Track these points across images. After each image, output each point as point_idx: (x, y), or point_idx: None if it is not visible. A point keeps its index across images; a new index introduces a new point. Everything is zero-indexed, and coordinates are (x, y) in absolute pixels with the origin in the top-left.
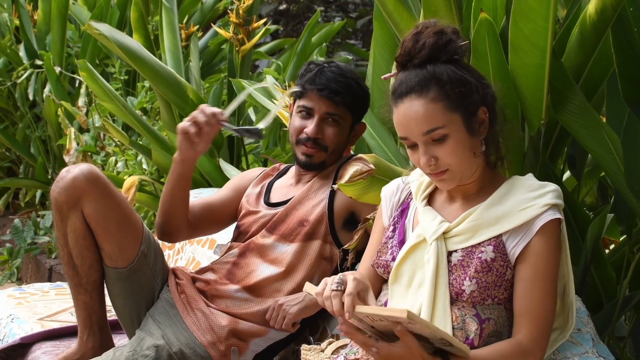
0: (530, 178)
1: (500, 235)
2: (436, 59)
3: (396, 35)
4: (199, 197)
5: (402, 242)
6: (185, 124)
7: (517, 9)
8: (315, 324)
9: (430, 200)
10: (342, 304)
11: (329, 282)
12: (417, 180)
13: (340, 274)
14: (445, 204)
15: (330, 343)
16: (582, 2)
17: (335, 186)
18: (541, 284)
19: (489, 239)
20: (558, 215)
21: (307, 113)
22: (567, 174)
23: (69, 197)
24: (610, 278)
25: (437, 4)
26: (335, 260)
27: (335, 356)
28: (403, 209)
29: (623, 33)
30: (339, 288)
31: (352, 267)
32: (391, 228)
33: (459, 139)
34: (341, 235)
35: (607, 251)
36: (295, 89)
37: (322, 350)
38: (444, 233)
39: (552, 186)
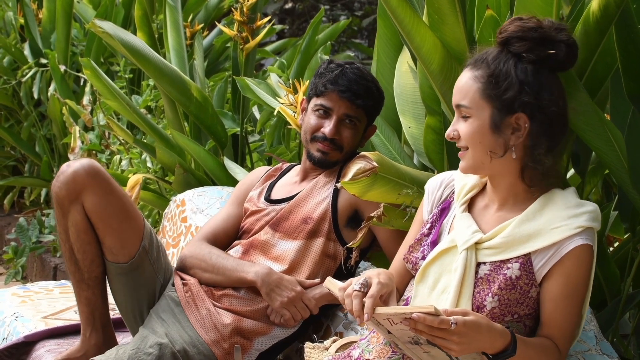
0: (569, 193)
1: (529, 253)
2: (510, 45)
3: (400, 33)
4: (203, 195)
5: (434, 243)
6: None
7: (520, 6)
8: (319, 322)
9: (470, 205)
10: (363, 305)
11: (354, 282)
12: (461, 181)
13: (366, 274)
14: (483, 211)
15: (334, 341)
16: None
17: (338, 184)
18: (570, 305)
19: (518, 257)
20: (589, 242)
21: (325, 112)
22: (571, 172)
23: (70, 192)
24: (614, 275)
25: (441, 1)
26: (339, 258)
27: (342, 353)
28: (443, 208)
29: (626, 30)
30: (362, 289)
31: (357, 265)
32: (428, 226)
33: (478, 126)
34: (345, 233)
35: (611, 249)
36: None
37: (326, 349)
38: (476, 243)
39: (589, 206)
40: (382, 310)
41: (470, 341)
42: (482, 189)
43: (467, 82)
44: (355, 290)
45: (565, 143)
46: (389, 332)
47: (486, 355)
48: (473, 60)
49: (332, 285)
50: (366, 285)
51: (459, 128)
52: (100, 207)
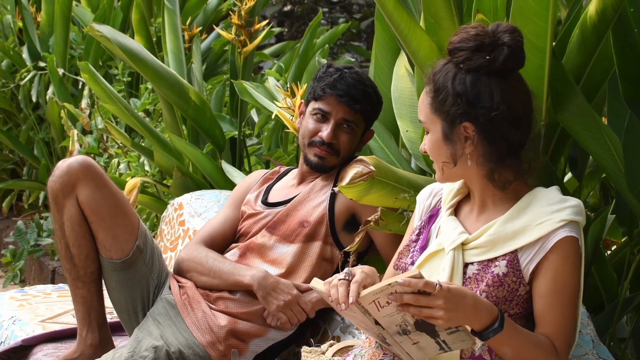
0: (552, 191)
1: (516, 250)
2: (453, 56)
3: (397, 37)
4: (201, 198)
5: (423, 248)
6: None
7: (516, 10)
8: (317, 326)
9: (456, 209)
10: (348, 292)
11: (339, 274)
12: (448, 187)
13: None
14: (469, 215)
15: (331, 345)
16: (583, 3)
17: (336, 189)
18: (561, 301)
19: (505, 254)
20: (574, 234)
21: (323, 116)
22: (568, 175)
23: (64, 185)
24: (611, 279)
25: (437, 5)
26: (336, 261)
27: (338, 358)
28: (432, 215)
29: (623, 34)
30: (347, 278)
31: None
32: (417, 232)
33: (435, 140)
34: (342, 237)
35: (608, 252)
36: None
37: (323, 353)
38: (462, 244)
39: (572, 201)
40: (367, 290)
41: (456, 308)
42: (468, 194)
43: (421, 98)
44: (340, 279)
45: (538, 143)
46: (377, 323)
47: (475, 335)
48: (429, 74)
49: (318, 283)
50: (350, 274)
51: (425, 142)
52: (93, 200)
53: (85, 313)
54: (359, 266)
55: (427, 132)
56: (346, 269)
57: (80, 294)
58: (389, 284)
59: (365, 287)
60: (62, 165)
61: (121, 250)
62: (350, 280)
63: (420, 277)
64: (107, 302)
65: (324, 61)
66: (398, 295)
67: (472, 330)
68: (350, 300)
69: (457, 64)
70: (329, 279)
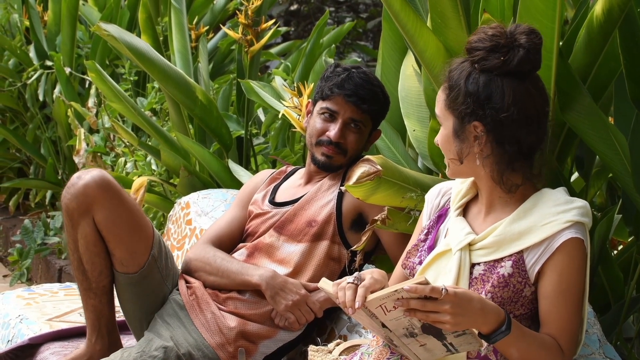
0: (559, 192)
1: (522, 250)
2: (470, 55)
3: (404, 36)
4: (207, 197)
5: (431, 248)
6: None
7: (523, 10)
8: (324, 325)
9: (465, 210)
10: (355, 296)
11: (348, 278)
12: (457, 187)
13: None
14: (477, 216)
15: (337, 344)
16: (590, 3)
17: (343, 188)
18: (566, 302)
19: (510, 255)
20: (580, 236)
21: (330, 116)
22: (575, 175)
23: (80, 204)
24: (617, 279)
25: (444, 5)
26: (343, 261)
27: (345, 357)
28: (440, 215)
29: (630, 34)
30: (355, 282)
31: (361, 269)
32: (425, 232)
33: (446, 135)
34: (349, 236)
35: (614, 252)
36: None
37: (330, 352)
38: (469, 245)
39: (579, 202)
40: (373, 295)
41: (463, 312)
42: (477, 195)
43: (439, 93)
44: (349, 282)
45: (545, 147)
46: (384, 326)
47: (482, 338)
48: (446, 71)
49: (326, 284)
50: (359, 279)
51: (438, 136)
52: (110, 221)
53: (95, 320)
54: (370, 270)
55: (441, 127)
56: (355, 274)
57: (92, 303)
58: (396, 290)
59: (373, 292)
60: (78, 183)
61: (137, 263)
62: (359, 285)
63: (427, 283)
64: (115, 301)
65: (331, 60)
66: (405, 300)
67: (479, 333)
68: (357, 305)
69: (473, 63)
70: (338, 281)
